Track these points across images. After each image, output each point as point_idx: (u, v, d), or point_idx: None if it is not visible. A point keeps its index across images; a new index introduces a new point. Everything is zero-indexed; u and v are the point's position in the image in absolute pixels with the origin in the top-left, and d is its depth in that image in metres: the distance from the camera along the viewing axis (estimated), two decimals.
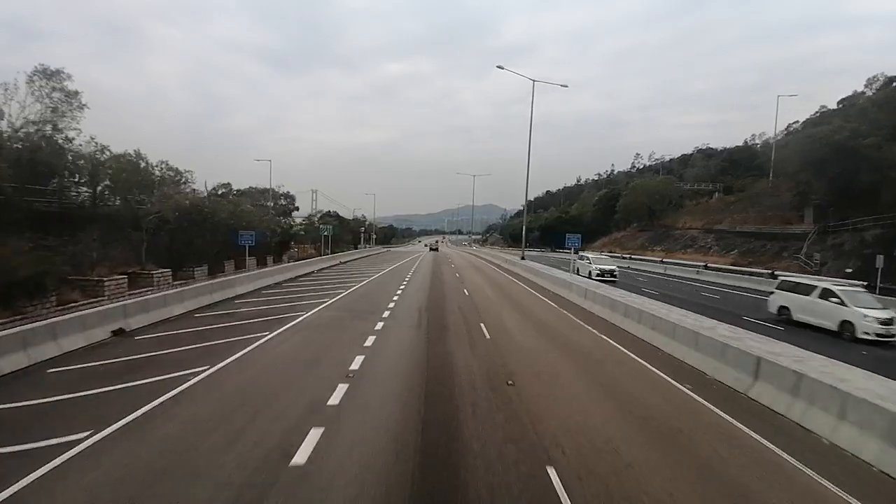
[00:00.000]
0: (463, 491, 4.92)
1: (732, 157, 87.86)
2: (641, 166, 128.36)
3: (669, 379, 9.24)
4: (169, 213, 19.20)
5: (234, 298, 17.57)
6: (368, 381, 8.31)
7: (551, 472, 5.32)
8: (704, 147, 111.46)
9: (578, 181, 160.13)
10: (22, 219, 15.89)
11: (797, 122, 69.96)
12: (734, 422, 7.17)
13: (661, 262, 43.71)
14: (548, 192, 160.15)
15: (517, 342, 11.75)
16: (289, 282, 23.37)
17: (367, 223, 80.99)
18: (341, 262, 38.95)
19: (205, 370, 8.74)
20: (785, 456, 6.11)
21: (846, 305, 14.73)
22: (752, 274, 32.72)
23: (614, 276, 29.28)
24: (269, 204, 52.80)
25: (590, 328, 13.90)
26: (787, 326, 16.28)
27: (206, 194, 23.25)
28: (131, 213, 19.77)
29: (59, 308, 13.79)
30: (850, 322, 14.47)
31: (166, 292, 15.21)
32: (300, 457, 5.48)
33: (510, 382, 8.47)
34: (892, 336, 13.92)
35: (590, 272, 29.49)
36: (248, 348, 10.38)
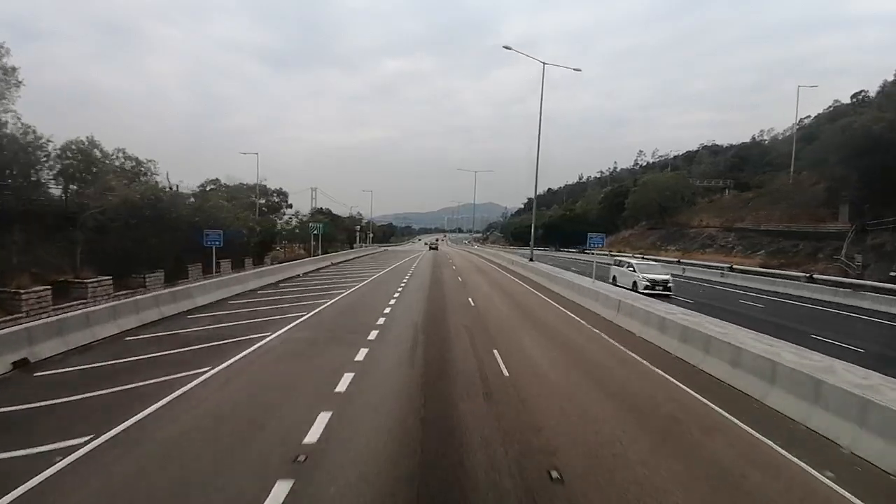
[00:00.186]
0: None
1: (741, 153, 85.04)
2: (644, 164, 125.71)
3: (810, 470, 5.81)
4: (115, 208, 15.94)
5: (189, 312, 14.37)
6: (327, 474, 5.11)
7: None
8: (710, 144, 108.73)
9: (581, 178, 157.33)
10: None
11: (808, 116, 67.08)
12: None
13: (679, 262, 40.49)
14: (549, 189, 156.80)
15: (550, 384, 8.51)
16: (266, 288, 20.15)
17: (363, 221, 77.69)
18: (332, 264, 35.72)
19: (87, 443, 5.66)
20: None
21: None
22: (785, 277, 29.50)
23: (668, 290, 22.45)
24: (260, 201, 49.61)
25: (648, 364, 10.64)
26: None
27: (169, 188, 20.04)
28: (77, 209, 16.55)
29: None
30: None
31: (90, 309, 11.96)
32: None
33: (555, 475, 5.27)
34: None
35: (634, 283, 23.02)
36: (168, 398, 7.18)
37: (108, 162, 21.06)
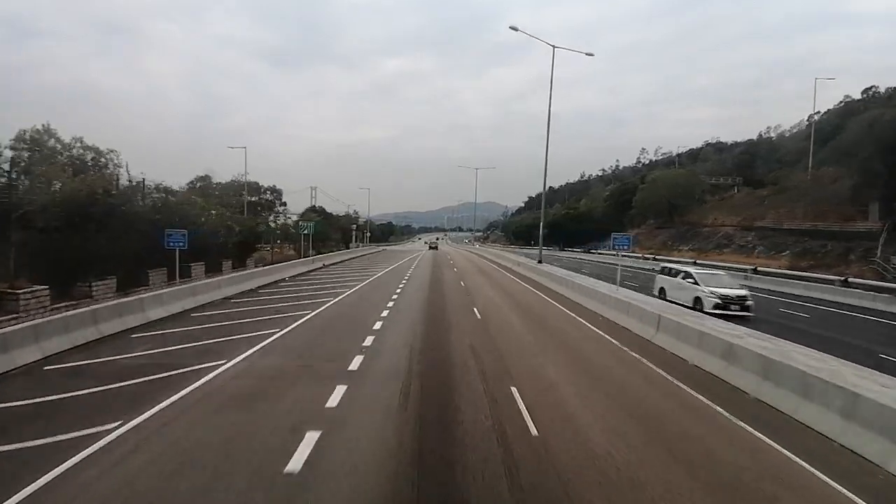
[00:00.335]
0: None
1: (750, 150, 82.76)
2: (647, 161, 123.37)
3: None
4: (58, 204, 13.42)
5: (137, 328, 11.87)
6: None
7: None
8: (714, 141, 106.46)
9: (583, 177, 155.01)
10: None
11: (818, 112, 64.81)
12: None
13: (695, 263, 37.99)
14: (551, 188, 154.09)
15: (594, 448, 6.02)
16: (241, 296, 17.64)
17: (359, 220, 75.17)
18: (324, 266, 33.22)
19: None
20: None
21: None
22: (817, 280, 27.00)
23: (747, 309, 16.76)
24: (251, 198, 47.18)
25: (720, 410, 8.12)
26: None
27: (130, 182, 17.52)
28: (9, 206, 14.04)
29: None
30: None
31: (5, 330, 9.48)
32: None
33: None
34: None
35: (696, 299, 17.32)
36: (61, 467, 4.71)
37: (65, 153, 18.60)
